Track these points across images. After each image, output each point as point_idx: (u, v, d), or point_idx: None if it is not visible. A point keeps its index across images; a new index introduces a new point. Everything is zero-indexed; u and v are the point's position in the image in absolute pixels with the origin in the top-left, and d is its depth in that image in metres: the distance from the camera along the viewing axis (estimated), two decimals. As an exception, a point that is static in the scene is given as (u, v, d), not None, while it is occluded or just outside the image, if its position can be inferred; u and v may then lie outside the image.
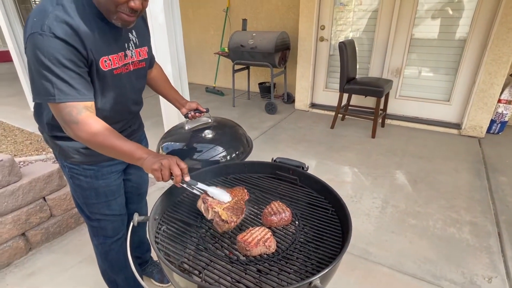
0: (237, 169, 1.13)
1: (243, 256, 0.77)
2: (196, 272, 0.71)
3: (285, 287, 0.64)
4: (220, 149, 1.42)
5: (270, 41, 3.74)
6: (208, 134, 1.43)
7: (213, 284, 0.67)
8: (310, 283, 0.63)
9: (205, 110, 1.40)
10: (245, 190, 0.98)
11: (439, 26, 3.19)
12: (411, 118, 3.61)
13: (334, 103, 3.41)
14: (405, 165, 2.74)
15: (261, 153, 2.98)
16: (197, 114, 1.36)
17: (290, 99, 4.43)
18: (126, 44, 0.96)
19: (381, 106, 3.50)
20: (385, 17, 3.40)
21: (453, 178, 2.53)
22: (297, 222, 0.89)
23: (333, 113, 3.55)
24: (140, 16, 1.08)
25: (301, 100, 4.17)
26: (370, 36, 3.60)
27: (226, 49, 4.21)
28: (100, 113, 0.93)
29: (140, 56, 1.03)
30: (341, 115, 3.74)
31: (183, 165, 0.83)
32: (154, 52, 2.41)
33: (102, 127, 0.84)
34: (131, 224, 0.86)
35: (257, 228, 0.82)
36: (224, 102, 4.62)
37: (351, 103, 3.67)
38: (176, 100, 1.35)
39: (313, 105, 4.19)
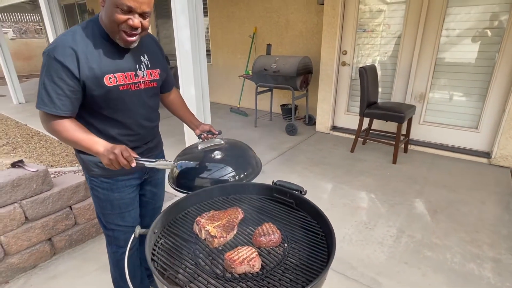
0: (237, 189, 1.19)
1: (229, 273, 0.82)
2: (182, 283, 0.77)
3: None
4: (229, 169, 1.49)
5: (292, 65, 3.85)
6: (218, 155, 1.51)
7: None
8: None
9: (217, 132, 1.50)
10: (240, 210, 1.04)
11: (466, 51, 3.13)
12: (436, 144, 3.49)
13: (356, 126, 3.41)
14: (425, 194, 2.64)
15: (277, 174, 3.02)
16: (209, 135, 1.47)
17: (311, 121, 4.47)
18: (137, 65, 1.11)
19: (404, 131, 3.43)
20: (409, 42, 3.40)
21: (478, 210, 2.39)
22: (286, 245, 0.93)
23: (354, 137, 3.52)
24: (156, 43, 1.23)
25: (322, 123, 4.19)
26: (393, 60, 3.60)
27: (250, 72, 4.39)
28: (110, 123, 1.10)
29: (151, 76, 1.17)
30: (362, 139, 3.71)
31: (126, 154, 0.95)
32: (179, 75, 2.61)
33: (69, 126, 1.00)
34: (133, 235, 0.94)
35: (245, 247, 0.86)
36: (247, 122, 4.75)
37: (373, 127, 3.64)
38: (191, 122, 1.47)
39: (334, 128, 4.19)
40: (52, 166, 3.08)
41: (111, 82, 1.03)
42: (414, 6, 3.27)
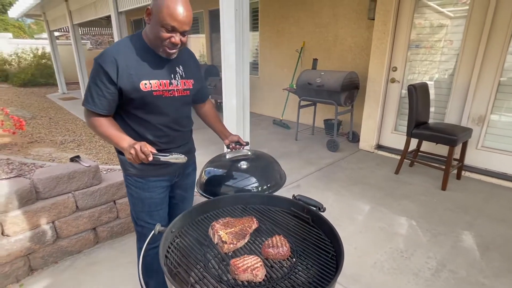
0: (257, 200, 1.22)
1: (233, 279, 0.84)
2: (186, 282, 0.82)
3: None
4: (253, 179, 1.53)
5: (337, 80, 3.80)
6: (244, 165, 1.56)
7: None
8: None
9: (245, 143, 1.56)
10: (254, 220, 1.06)
11: (536, 72, 2.79)
12: (497, 173, 3.12)
13: (403, 146, 3.20)
14: (477, 227, 2.37)
15: (311, 190, 2.97)
16: (237, 146, 1.54)
17: (355, 138, 4.33)
18: (172, 75, 1.24)
19: (457, 156, 3.14)
20: (468, 59, 3.14)
21: (541, 252, 2.08)
22: (294, 259, 0.92)
23: (400, 157, 3.32)
24: (192, 57, 1.34)
25: (366, 141, 4.03)
26: (448, 79, 3.35)
27: (295, 86, 4.42)
28: (145, 125, 1.22)
29: (185, 85, 1.28)
30: (408, 161, 3.47)
31: (144, 148, 1.04)
32: (223, 86, 2.74)
33: (104, 123, 1.15)
34: (152, 232, 1.02)
35: (252, 256, 0.88)
36: (288, 135, 4.76)
37: (423, 149, 3.40)
38: (221, 132, 1.55)
39: (379, 147, 3.99)
40: (106, 163, 3.43)
41: (146, 88, 1.16)
42: (476, 19, 3.02)
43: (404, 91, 3.68)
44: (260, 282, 0.83)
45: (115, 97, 1.15)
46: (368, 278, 1.86)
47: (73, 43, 7.52)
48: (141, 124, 1.23)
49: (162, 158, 1.06)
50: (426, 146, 3.42)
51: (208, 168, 1.66)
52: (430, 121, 3.34)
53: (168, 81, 1.22)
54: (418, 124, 3.10)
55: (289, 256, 0.93)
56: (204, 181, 1.60)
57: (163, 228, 1.00)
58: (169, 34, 1.10)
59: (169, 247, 0.96)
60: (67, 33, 9.97)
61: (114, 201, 2.19)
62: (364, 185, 3.07)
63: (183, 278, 0.83)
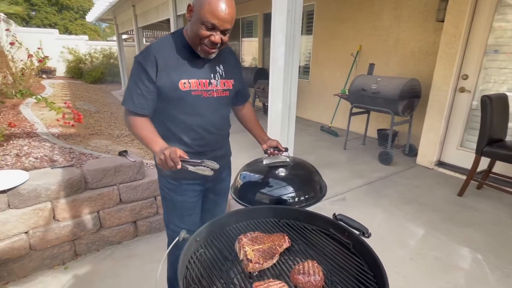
0: (292, 215, 1.11)
1: (254, 305, 0.75)
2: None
3: None
4: (290, 189, 1.42)
5: (395, 88, 3.49)
6: (281, 172, 1.46)
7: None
8: None
9: (284, 149, 1.46)
10: (286, 238, 0.96)
11: None
12: None
13: (470, 165, 2.78)
14: None
15: (358, 204, 2.74)
16: (275, 151, 1.44)
17: (412, 151, 3.93)
18: (212, 75, 1.18)
19: (541, 182, 2.65)
20: (562, 69, 2.63)
21: None
22: (327, 291, 0.80)
23: (466, 178, 2.91)
24: (234, 56, 1.28)
25: (425, 155, 3.63)
26: (535, 91, 2.84)
27: (347, 92, 4.18)
28: (182, 127, 1.18)
29: (224, 86, 1.22)
30: (476, 182, 3.03)
31: (174, 155, 0.98)
32: (270, 90, 2.68)
33: (140, 124, 1.12)
34: (177, 238, 0.97)
35: (278, 282, 0.78)
36: (336, 143, 4.53)
37: (496, 170, 2.94)
38: (259, 136, 1.47)
39: (440, 163, 3.57)
40: (151, 159, 3.58)
41: (185, 87, 1.12)
42: None
43: (476, 103, 3.23)
44: (284, 314, 0.73)
45: (154, 96, 1.13)
46: (417, 315, 1.61)
47: (136, 44, 8.13)
48: (177, 124, 1.19)
49: (190, 168, 1.00)
50: (501, 167, 2.95)
51: (244, 173, 1.58)
52: (508, 138, 2.87)
53: (208, 80, 1.17)
54: (491, 141, 2.68)
55: (322, 286, 0.81)
56: (239, 185, 1.53)
57: (188, 236, 0.94)
58: (209, 33, 1.05)
59: (192, 257, 0.90)
60: (133, 35, 10.87)
61: (155, 197, 2.24)
62: (419, 205, 2.74)
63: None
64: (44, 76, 10.06)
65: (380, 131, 4.33)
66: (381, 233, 2.35)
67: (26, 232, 1.79)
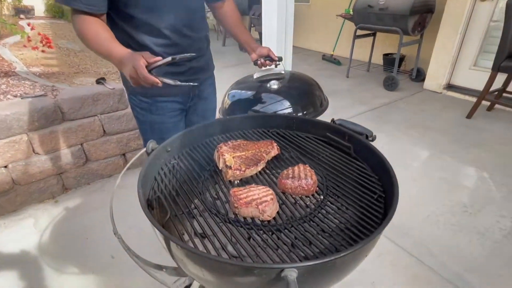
0: (282, 123, 0.94)
1: (233, 213, 0.62)
2: (167, 211, 0.62)
3: (232, 264, 0.46)
4: (286, 103, 1.27)
5: (406, 1, 3.07)
6: (274, 85, 1.28)
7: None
8: (281, 271, 0.43)
9: (277, 58, 1.24)
10: (275, 145, 0.81)
11: None
12: None
13: (482, 87, 2.55)
14: None
15: (359, 130, 2.59)
16: (267, 61, 1.22)
17: (419, 76, 3.67)
18: None
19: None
20: None
21: None
22: (321, 197, 0.67)
23: (477, 99, 2.70)
24: None
25: (434, 79, 3.38)
26: None
27: (351, 11, 3.74)
28: (143, 28, 0.93)
29: None
30: (488, 103, 2.83)
31: (141, 71, 0.75)
32: (263, 5, 2.33)
33: (92, 28, 0.86)
34: (143, 149, 0.83)
35: (261, 187, 0.65)
36: (339, 72, 4.24)
37: (510, 89, 2.71)
38: (246, 43, 1.24)
39: (449, 87, 3.34)
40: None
41: None
42: None
43: (498, 14, 2.85)
44: (269, 221, 0.60)
45: None
46: (418, 231, 1.57)
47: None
48: (140, 28, 0.94)
49: (168, 81, 0.78)
50: (516, 85, 2.72)
51: (233, 91, 1.42)
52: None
53: None
54: (511, 56, 2.41)
55: (315, 191, 0.68)
56: (227, 106, 1.39)
57: (157, 146, 0.79)
58: None
59: (162, 169, 0.77)
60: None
61: (142, 128, 2.09)
62: (425, 129, 2.60)
63: (166, 206, 0.63)
64: (22, 16, 9.30)
65: (386, 56, 4.02)
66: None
67: (5, 167, 1.69)
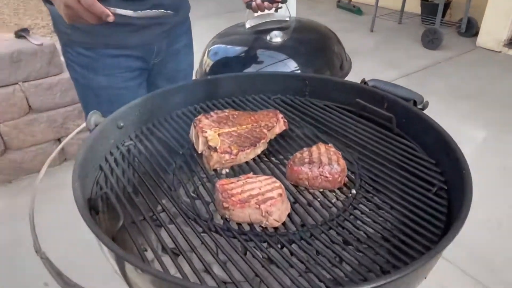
0: (291, 85, 0.92)
1: (221, 217, 0.57)
2: (120, 218, 0.56)
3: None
4: (292, 64, 1.31)
5: None
6: (275, 37, 1.29)
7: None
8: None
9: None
10: (280, 116, 0.76)
11: None
12: None
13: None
14: None
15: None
16: (266, 3, 1.18)
17: (471, 29, 3.80)
18: None
19: None
20: None
21: None
22: (353, 191, 0.62)
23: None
24: None
25: (490, 33, 3.49)
26: None
27: None
28: None
29: None
30: None
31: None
32: None
33: None
34: (83, 124, 0.77)
35: (264, 177, 0.59)
36: (360, 23, 4.37)
37: None
38: None
39: (511, 43, 3.43)
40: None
41: None
42: None
43: None
44: (276, 228, 0.55)
45: None
46: (473, 240, 1.57)
47: None
48: None
49: (124, 12, 0.70)
50: None
51: (216, 46, 1.41)
52: None
53: None
54: None
55: (344, 183, 0.63)
56: (208, 67, 1.38)
57: (102, 119, 0.73)
58: None
59: (111, 153, 0.71)
60: None
61: (85, 101, 2.03)
62: (480, 102, 2.69)
63: (118, 208, 0.57)
64: None
65: (425, 1, 4.13)
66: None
67: None
